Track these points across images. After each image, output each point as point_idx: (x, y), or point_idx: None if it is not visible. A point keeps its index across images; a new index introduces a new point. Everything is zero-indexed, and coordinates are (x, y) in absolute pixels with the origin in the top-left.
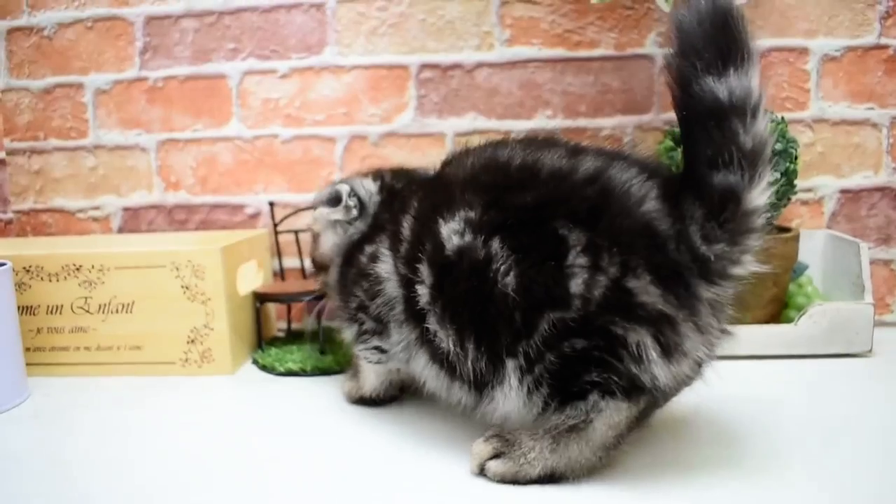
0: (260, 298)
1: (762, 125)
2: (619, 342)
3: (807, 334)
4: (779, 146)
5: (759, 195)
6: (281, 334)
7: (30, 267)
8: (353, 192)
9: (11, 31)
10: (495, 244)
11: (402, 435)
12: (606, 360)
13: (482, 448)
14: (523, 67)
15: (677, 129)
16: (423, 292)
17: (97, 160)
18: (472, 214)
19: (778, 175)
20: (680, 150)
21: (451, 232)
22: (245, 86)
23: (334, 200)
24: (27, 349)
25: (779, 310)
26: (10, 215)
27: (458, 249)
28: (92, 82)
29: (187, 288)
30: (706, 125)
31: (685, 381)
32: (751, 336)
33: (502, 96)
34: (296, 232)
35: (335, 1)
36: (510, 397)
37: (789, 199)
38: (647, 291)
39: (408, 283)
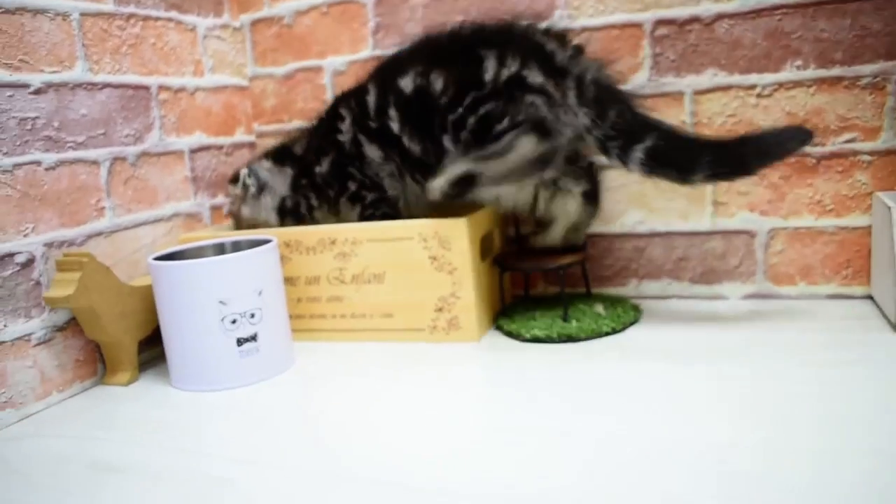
0: (503, 267)
1: None
2: (517, 100)
3: None
4: None
5: None
6: (516, 301)
7: (290, 241)
8: (251, 173)
9: (255, 23)
10: (434, 73)
11: (668, 411)
12: (507, 110)
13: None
14: (769, 15)
15: None
16: (394, 126)
17: None
18: (419, 69)
19: None
20: None
21: (407, 83)
22: None
23: (234, 179)
24: (290, 317)
25: None
26: None
27: (414, 89)
28: (329, 65)
29: (434, 258)
30: None
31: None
32: None
33: (745, 49)
34: None
35: None
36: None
37: None
38: (536, 77)
39: (380, 130)
